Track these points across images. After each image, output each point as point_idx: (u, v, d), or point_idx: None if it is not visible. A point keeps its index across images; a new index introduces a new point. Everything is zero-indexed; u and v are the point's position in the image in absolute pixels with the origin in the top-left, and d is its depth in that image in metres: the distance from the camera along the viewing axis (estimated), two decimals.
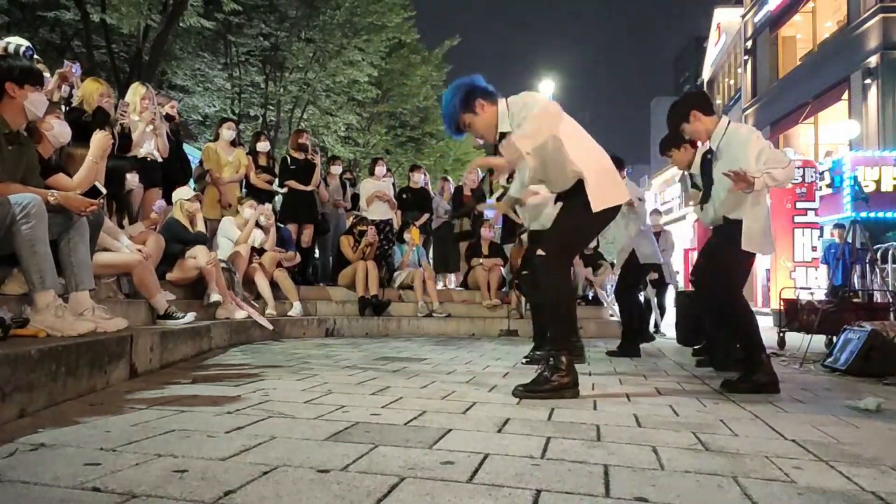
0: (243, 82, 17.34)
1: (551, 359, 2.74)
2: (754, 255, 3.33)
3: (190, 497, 1.29)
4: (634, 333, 5.04)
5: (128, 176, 4.52)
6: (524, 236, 7.65)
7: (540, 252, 2.85)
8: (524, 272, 4.64)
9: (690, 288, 4.91)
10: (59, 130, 3.54)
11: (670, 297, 8.13)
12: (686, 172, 4.47)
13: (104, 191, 3.33)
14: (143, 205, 5.21)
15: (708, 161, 3.49)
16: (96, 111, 4.59)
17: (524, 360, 4.18)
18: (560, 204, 3.04)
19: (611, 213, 2.89)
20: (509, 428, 2.05)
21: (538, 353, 3.78)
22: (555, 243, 2.86)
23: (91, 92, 4.67)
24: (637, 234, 4.99)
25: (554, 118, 2.74)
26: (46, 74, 4.42)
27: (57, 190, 2.97)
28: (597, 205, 2.77)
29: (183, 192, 5.48)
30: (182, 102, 15.53)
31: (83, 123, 4.30)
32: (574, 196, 2.84)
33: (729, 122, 3.38)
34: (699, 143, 3.96)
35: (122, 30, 13.73)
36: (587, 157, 2.82)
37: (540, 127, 2.69)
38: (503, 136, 2.81)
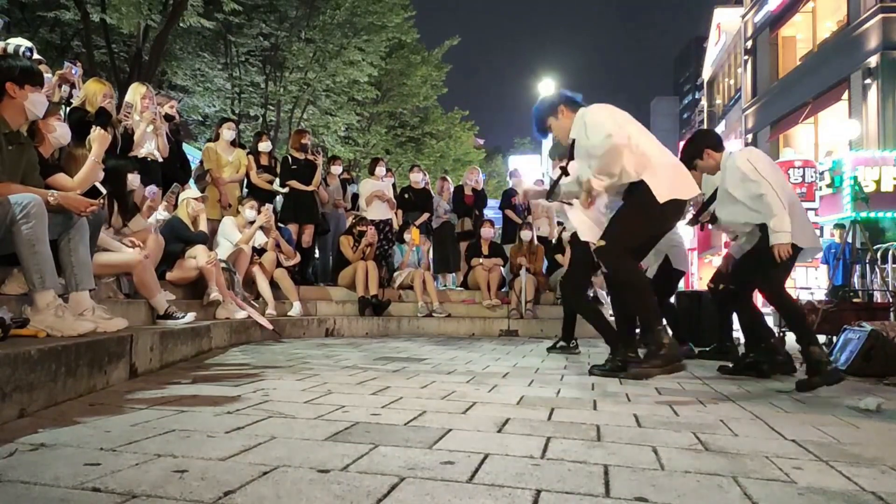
0: (243, 82, 17.35)
1: (653, 334, 2.85)
2: (795, 252, 3.43)
3: (190, 497, 1.29)
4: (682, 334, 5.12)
5: (129, 176, 4.51)
6: (524, 233, 7.66)
7: (600, 242, 3.03)
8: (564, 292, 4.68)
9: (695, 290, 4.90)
10: (60, 133, 3.54)
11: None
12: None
13: (104, 191, 3.32)
14: (137, 198, 5.19)
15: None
16: (99, 111, 4.59)
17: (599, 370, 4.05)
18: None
19: (675, 208, 3.08)
20: (509, 428, 2.05)
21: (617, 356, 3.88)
22: (615, 233, 3.05)
23: (95, 92, 4.67)
24: (672, 238, 4.87)
25: (618, 151, 3.02)
26: (48, 74, 4.42)
27: (57, 190, 2.97)
28: (662, 195, 2.99)
29: (190, 192, 5.48)
30: (182, 102, 15.54)
31: (86, 124, 4.30)
32: (634, 192, 3.06)
33: (730, 153, 3.66)
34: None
35: (122, 30, 13.73)
36: (646, 159, 3.04)
37: (609, 165, 3.03)
38: (573, 142, 3.23)
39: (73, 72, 4.83)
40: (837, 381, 3.14)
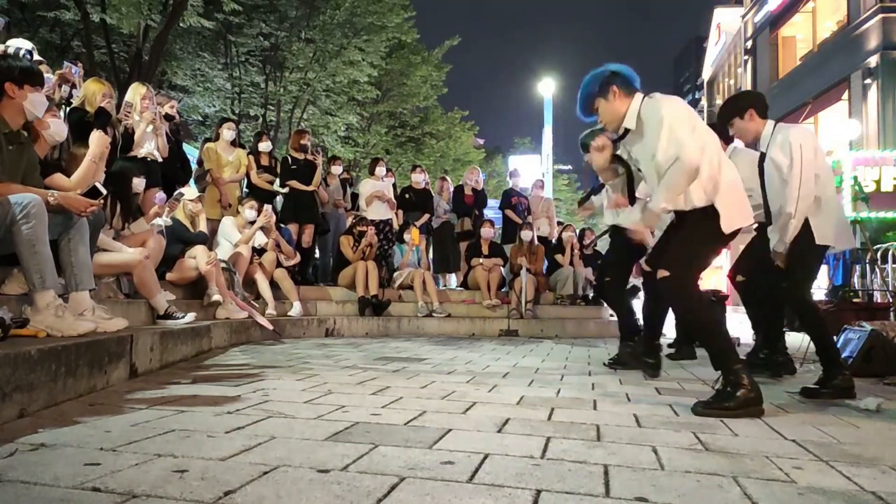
0: (243, 82, 17.34)
1: (730, 375, 2.52)
2: (824, 250, 3.25)
3: (190, 497, 1.29)
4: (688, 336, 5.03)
5: (135, 180, 4.52)
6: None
7: (663, 273, 2.67)
8: (607, 278, 4.42)
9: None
10: (55, 129, 3.54)
11: None
12: None
13: (104, 191, 3.32)
14: (143, 204, 5.21)
15: (761, 167, 3.44)
16: (98, 111, 4.59)
17: (607, 363, 4.02)
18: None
19: (735, 233, 2.76)
20: (509, 428, 2.05)
21: (627, 352, 3.82)
22: (680, 262, 2.69)
23: (94, 92, 4.67)
24: None
25: (692, 166, 2.60)
26: (48, 74, 4.42)
27: (55, 189, 2.97)
28: (727, 226, 2.64)
29: (187, 193, 5.49)
30: (182, 102, 15.53)
31: (86, 124, 4.30)
32: (698, 214, 2.71)
33: (775, 124, 3.34)
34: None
35: (122, 30, 13.73)
36: (717, 179, 2.67)
37: (680, 184, 2.62)
38: (626, 132, 2.79)
39: (74, 72, 4.83)
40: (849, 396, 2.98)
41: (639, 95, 2.77)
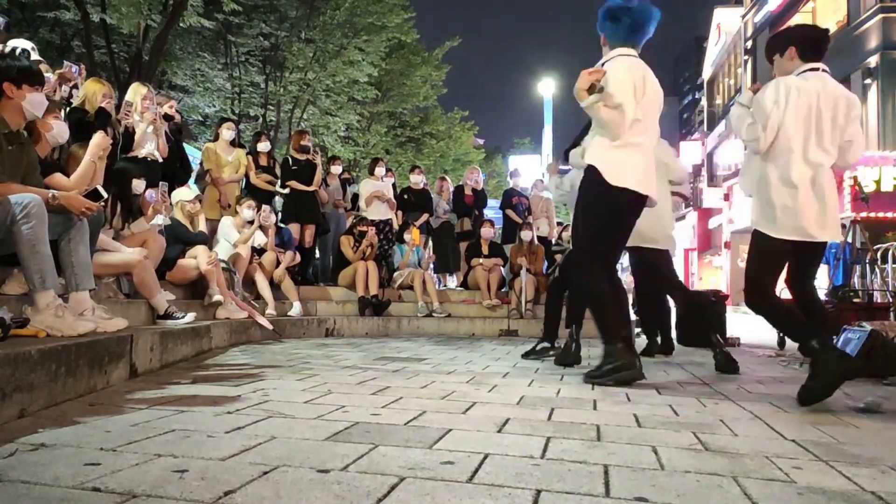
0: (243, 82, 17.36)
1: (606, 346, 2.95)
2: (778, 242, 2.79)
3: (190, 497, 1.29)
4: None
5: (135, 181, 4.51)
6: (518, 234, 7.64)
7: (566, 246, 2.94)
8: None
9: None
10: (58, 131, 3.55)
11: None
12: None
13: (105, 194, 3.32)
14: (142, 204, 5.20)
15: None
16: (98, 112, 4.59)
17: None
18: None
19: (628, 199, 2.81)
20: (509, 428, 2.05)
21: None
22: (582, 238, 2.92)
23: (94, 92, 4.67)
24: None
25: (623, 125, 2.78)
26: (48, 74, 4.42)
27: (55, 189, 2.97)
28: (613, 179, 2.75)
29: (183, 193, 5.47)
30: (182, 102, 15.55)
31: (85, 124, 4.31)
32: (584, 180, 2.88)
33: (823, 70, 3.08)
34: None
35: (122, 30, 13.74)
36: (608, 141, 2.81)
37: (609, 120, 2.75)
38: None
39: (74, 71, 4.83)
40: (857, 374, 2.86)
41: (619, 50, 2.88)
